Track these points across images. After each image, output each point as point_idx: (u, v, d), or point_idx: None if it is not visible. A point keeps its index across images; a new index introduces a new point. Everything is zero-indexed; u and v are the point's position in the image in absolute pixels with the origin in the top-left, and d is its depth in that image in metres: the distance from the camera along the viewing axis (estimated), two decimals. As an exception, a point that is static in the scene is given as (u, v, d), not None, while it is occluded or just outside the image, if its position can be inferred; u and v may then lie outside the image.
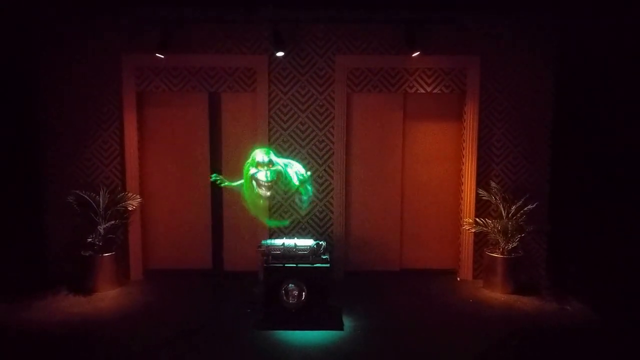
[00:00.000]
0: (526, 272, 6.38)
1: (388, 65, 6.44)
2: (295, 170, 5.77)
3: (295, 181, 5.66)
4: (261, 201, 5.91)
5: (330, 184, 6.59)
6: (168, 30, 6.11)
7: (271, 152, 5.64)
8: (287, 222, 6.60)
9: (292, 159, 6.15)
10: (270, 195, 5.74)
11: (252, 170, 5.58)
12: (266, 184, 5.55)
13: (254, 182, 5.60)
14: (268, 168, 5.52)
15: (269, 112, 6.47)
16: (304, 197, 5.98)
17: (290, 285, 5.22)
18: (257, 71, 6.44)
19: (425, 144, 6.80)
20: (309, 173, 5.77)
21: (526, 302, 5.82)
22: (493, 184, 6.42)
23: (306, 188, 5.92)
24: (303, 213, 6.58)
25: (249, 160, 5.55)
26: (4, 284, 5.68)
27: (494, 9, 6.24)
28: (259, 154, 5.56)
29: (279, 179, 5.74)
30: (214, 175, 5.80)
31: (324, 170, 6.59)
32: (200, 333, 4.95)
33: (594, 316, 5.42)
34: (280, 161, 5.68)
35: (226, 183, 5.85)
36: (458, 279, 6.73)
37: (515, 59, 6.39)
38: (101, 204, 6.14)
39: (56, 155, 6.42)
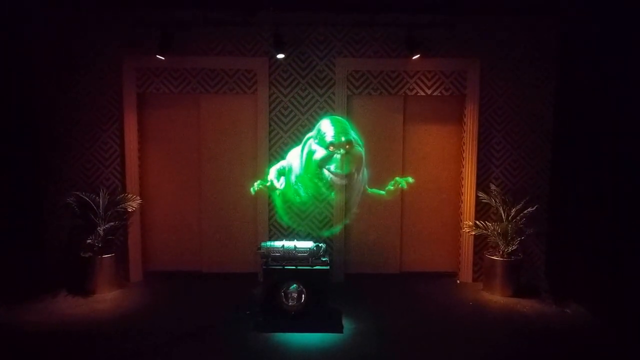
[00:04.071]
0: (526, 274, 6.38)
1: (388, 68, 6.45)
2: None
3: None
4: (332, 194, 4.48)
5: (330, 185, 6.58)
6: (169, 32, 6.11)
7: (348, 124, 3.85)
8: (337, 229, 6.18)
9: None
10: (345, 185, 4.05)
11: (319, 153, 3.86)
12: (341, 175, 3.85)
13: (325, 172, 3.93)
14: (346, 151, 3.72)
15: (270, 114, 6.47)
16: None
17: (289, 287, 5.22)
18: (257, 73, 6.44)
19: (425, 147, 6.80)
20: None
21: (526, 305, 5.81)
22: (493, 187, 6.42)
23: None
24: (327, 233, 6.39)
25: (313, 136, 3.95)
26: (4, 286, 5.67)
27: (494, 12, 6.25)
28: (329, 128, 3.70)
29: (363, 169, 3.90)
30: (254, 188, 4.40)
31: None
32: (199, 335, 4.94)
33: (594, 319, 5.41)
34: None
35: (278, 188, 4.51)
36: (458, 281, 6.73)
37: (515, 62, 6.40)
38: (101, 205, 6.15)
39: (56, 156, 6.42)
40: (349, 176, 3.79)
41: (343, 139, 3.54)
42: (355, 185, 4.21)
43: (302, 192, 4.40)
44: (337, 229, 6.49)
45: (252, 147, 6.61)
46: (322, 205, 6.47)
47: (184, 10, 6.22)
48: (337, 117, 4.53)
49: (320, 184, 4.03)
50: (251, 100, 6.55)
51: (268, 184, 4.92)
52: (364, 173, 4.43)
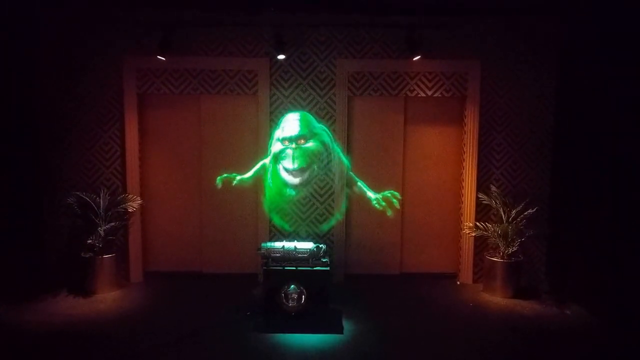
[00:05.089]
0: (526, 276, 6.38)
1: (389, 69, 6.46)
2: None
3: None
4: (288, 191, 4.68)
5: (331, 187, 6.58)
6: (169, 32, 6.11)
7: (311, 118, 4.11)
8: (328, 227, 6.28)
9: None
10: (301, 183, 4.30)
11: (276, 147, 4.08)
12: (294, 172, 4.06)
13: (279, 167, 4.18)
14: (297, 145, 4.05)
15: (270, 114, 6.46)
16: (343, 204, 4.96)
17: (290, 288, 5.22)
18: (258, 74, 6.44)
19: (426, 148, 6.80)
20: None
21: (526, 306, 5.82)
22: (493, 188, 6.43)
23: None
24: (325, 229, 6.47)
25: (276, 132, 4.13)
26: (4, 286, 5.67)
27: (494, 13, 6.25)
28: (287, 123, 3.83)
29: (316, 164, 4.13)
30: (219, 179, 4.93)
31: (325, 173, 6.59)
32: (199, 336, 4.94)
33: (594, 320, 5.41)
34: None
35: (238, 178, 4.95)
36: (458, 282, 6.73)
37: (516, 63, 6.41)
38: (101, 206, 6.15)
39: (56, 156, 6.42)
40: (301, 172, 3.89)
41: (294, 133, 3.63)
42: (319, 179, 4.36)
43: (271, 184, 4.55)
44: (333, 222, 6.48)
45: (252, 148, 6.59)
46: (322, 203, 6.48)
47: (185, 11, 6.22)
48: (300, 111, 4.65)
49: (276, 180, 4.20)
50: (252, 101, 6.55)
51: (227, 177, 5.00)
52: (339, 166, 4.47)
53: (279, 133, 5.09)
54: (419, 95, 6.53)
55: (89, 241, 6.00)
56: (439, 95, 6.54)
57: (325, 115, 6.52)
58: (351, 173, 5.44)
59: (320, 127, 4.34)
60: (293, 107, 6.44)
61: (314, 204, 6.53)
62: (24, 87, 6.12)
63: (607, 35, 5.42)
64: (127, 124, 6.43)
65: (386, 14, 6.25)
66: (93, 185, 6.43)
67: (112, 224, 6.14)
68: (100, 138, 6.47)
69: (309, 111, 6.48)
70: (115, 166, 6.52)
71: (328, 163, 4.61)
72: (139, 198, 6.45)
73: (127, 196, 6.35)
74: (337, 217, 6.55)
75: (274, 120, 6.47)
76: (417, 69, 6.43)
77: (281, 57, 6.25)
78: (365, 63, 6.45)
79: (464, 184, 6.63)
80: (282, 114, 6.46)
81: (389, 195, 5.47)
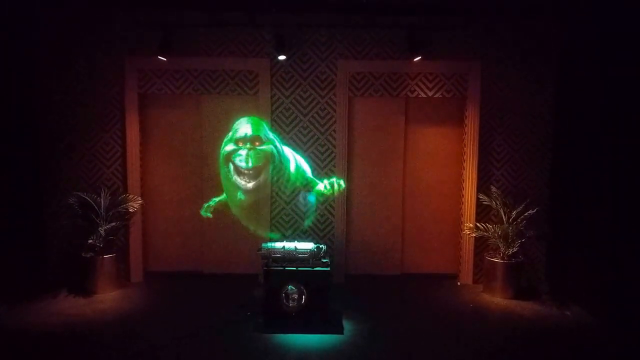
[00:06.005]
0: (526, 277, 6.38)
1: (389, 70, 6.47)
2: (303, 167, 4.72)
3: (307, 170, 4.40)
4: (238, 195, 4.67)
5: (237, 186, 6.55)
6: (170, 32, 6.12)
7: (264, 124, 4.25)
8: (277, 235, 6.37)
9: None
10: (254, 188, 4.44)
11: (228, 148, 4.21)
12: (246, 171, 4.19)
13: (230, 167, 4.24)
14: (252, 147, 4.09)
15: (271, 115, 6.47)
16: (311, 199, 5.13)
17: (290, 288, 5.22)
18: (259, 74, 6.45)
19: (427, 149, 6.81)
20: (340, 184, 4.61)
21: (526, 307, 5.82)
22: (494, 189, 6.43)
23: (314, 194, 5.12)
24: (306, 223, 6.49)
25: (229, 135, 4.39)
26: (4, 286, 5.66)
27: (495, 14, 6.26)
28: (241, 126, 4.10)
29: (271, 166, 4.24)
30: (203, 212, 5.01)
31: (326, 173, 6.59)
32: (200, 336, 4.94)
33: (594, 321, 5.41)
34: (278, 143, 4.25)
35: (216, 200, 5.01)
36: (458, 283, 6.73)
37: (516, 64, 6.42)
38: (102, 206, 6.15)
39: (56, 156, 6.42)
40: (256, 173, 3.96)
41: (250, 133, 3.71)
42: (283, 181, 4.46)
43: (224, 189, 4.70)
44: (311, 216, 6.56)
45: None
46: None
47: (185, 11, 6.22)
48: (253, 117, 4.76)
49: (228, 183, 4.28)
50: (253, 101, 6.55)
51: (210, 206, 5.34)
52: (294, 170, 4.64)
53: (231, 135, 5.24)
54: (420, 96, 6.54)
55: (90, 241, 5.99)
56: (440, 96, 6.54)
57: (326, 116, 6.53)
58: (310, 177, 5.55)
59: (271, 135, 4.46)
60: (294, 108, 6.47)
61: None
62: (24, 87, 6.12)
63: (607, 35, 5.42)
64: (127, 124, 6.44)
65: (387, 14, 6.26)
66: (94, 185, 6.43)
67: (113, 224, 6.14)
68: (101, 138, 6.47)
69: (310, 112, 6.50)
70: (116, 166, 6.52)
71: (280, 170, 4.71)
72: (139, 198, 6.45)
73: (127, 196, 6.35)
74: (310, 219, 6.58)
75: (275, 121, 6.47)
76: (418, 70, 6.44)
77: (282, 57, 6.25)
78: (366, 64, 6.46)
79: (464, 185, 6.64)
80: (283, 114, 6.48)
81: (334, 180, 5.66)
